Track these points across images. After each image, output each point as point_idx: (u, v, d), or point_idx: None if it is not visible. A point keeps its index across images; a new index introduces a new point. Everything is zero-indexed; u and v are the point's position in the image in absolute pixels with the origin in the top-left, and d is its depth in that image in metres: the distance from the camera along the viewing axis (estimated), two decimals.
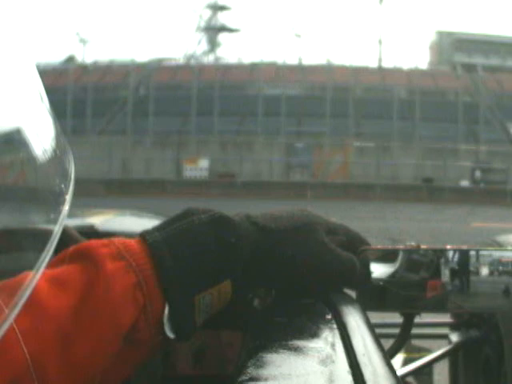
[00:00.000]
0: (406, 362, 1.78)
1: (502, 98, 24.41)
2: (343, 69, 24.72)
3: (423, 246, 1.16)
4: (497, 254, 1.16)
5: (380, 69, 26.86)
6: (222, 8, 35.88)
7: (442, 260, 1.13)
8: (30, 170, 0.48)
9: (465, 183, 21.37)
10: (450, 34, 33.52)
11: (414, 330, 1.27)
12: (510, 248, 1.48)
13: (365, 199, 18.68)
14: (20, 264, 0.43)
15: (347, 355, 0.68)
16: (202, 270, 0.67)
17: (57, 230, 0.47)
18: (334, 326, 0.80)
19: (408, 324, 1.17)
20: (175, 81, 25.41)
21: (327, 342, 0.72)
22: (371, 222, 12.03)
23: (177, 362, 1.14)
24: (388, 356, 0.76)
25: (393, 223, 12.17)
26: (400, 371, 1.51)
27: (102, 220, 1.21)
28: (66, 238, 1.01)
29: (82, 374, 0.57)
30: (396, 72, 25.57)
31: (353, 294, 1.11)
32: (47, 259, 0.44)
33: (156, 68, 25.57)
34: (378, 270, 1.14)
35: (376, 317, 1.18)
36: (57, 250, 1.04)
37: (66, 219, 0.46)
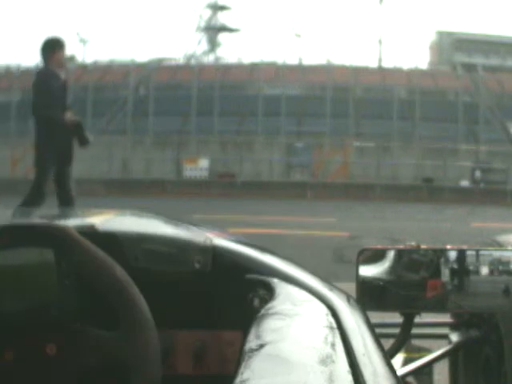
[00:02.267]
0: (406, 362, 1.78)
1: (502, 98, 24.39)
2: (343, 69, 24.69)
3: (423, 246, 1.16)
4: (497, 253, 1.16)
5: (380, 69, 26.84)
6: (222, 8, 35.88)
7: (442, 260, 1.13)
8: None
9: (465, 183, 21.35)
10: (450, 33, 33.50)
11: (414, 330, 1.27)
12: (510, 248, 1.48)
13: (365, 199, 18.67)
14: None
15: (347, 355, 0.68)
16: None
17: None
18: (334, 325, 0.80)
19: (408, 324, 1.17)
20: (175, 81, 25.38)
21: (327, 341, 0.72)
22: (371, 222, 12.02)
23: (177, 362, 1.14)
24: (388, 356, 0.76)
25: (393, 223, 12.16)
26: (400, 371, 1.51)
27: (102, 220, 1.21)
28: (67, 237, 1.01)
29: None
30: (396, 72, 25.54)
31: (353, 293, 1.11)
32: None
33: (156, 68, 25.55)
34: (378, 270, 1.14)
35: (376, 317, 1.18)
36: (57, 249, 1.04)
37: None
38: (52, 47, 6.30)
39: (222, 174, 21.95)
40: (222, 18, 36.56)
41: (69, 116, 6.15)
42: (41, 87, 6.16)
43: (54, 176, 6.11)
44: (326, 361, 0.66)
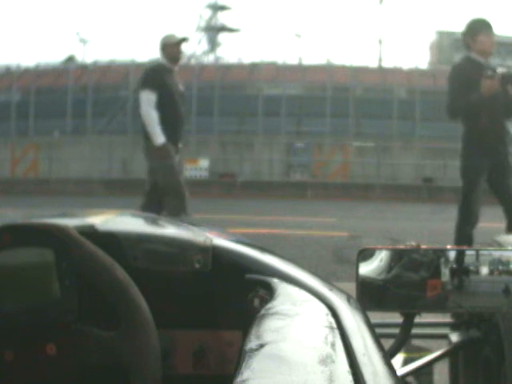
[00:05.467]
0: (406, 362, 1.78)
1: None
2: (343, 69, 24.68)
3: (423, 246, 1.16)
4: (497, 253, 1.16)
5: (380, 69, 26.83)
6: (222, 8, 35.87)
7: (442, 260, 1.13)
8: None
9: None
10: (450, 33, 33.45)
11: (414, 330, 1.27)
12: (510, 248, 1.48)
13: (365, 199, 18.66)
14: None
15: (347, 355, 0.68)
16: None
17: None
18: (334, 325, 0.79)
19: (408, 324, 1.17)
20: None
21: (327, 341, 0.72)
22: (371, 222, 12.02)
23: (177, 362, 1.14)
24: (388, 356, 0.76)
25: (393, 223, 12.15)
26: (400, 371, 1.51)
27: (102, 220, 1.21)
28: (67, 237, 1.01)
29: None
30: (396, 72, 25.53)
31: (353, 293, 1.11)
32: None
33: None
34: (378, 270, 1.14)
35: (376, 317, 1.17)
36: (57, 249, 1.04)
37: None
38: (473, 30, 5.18)
39: (222, 174, 21.95)
40: (222, 18, 36.58)
41: (488, 85, 4.71)
42: (460, 82, 4.96)
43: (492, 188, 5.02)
44: (326, 361, 0.66)
